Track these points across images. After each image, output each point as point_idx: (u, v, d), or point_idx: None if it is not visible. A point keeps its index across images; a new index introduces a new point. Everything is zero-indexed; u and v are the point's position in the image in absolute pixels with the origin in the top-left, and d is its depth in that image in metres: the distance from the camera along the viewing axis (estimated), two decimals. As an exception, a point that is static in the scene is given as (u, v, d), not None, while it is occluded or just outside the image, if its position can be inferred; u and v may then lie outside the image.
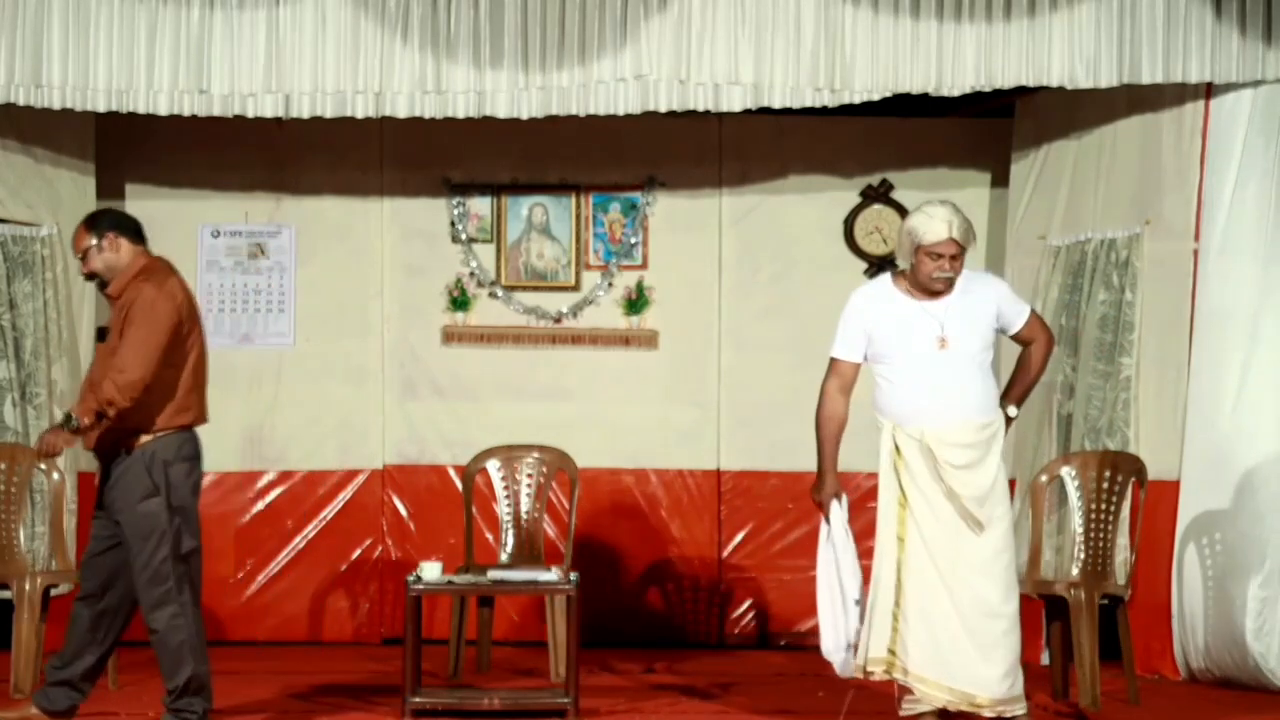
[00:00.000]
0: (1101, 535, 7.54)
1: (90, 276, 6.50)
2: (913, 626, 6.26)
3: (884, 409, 6.40)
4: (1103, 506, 7.55)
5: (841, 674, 6.47)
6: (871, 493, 9.26)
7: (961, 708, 6.29)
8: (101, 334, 6.58)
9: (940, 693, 6.25)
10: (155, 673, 6.50)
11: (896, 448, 6.35)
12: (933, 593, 6.26)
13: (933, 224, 6.27)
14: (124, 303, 6.36)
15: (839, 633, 6.44)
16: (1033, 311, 6.57)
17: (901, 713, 6.40)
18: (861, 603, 6.36)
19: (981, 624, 6.26)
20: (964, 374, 6.32)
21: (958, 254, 6.29)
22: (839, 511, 6.47)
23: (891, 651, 6.29)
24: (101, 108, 7.93)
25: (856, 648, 6.39)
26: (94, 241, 6.42)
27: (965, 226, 6.30)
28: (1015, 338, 6.53)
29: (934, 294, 6.35)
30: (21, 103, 7.89)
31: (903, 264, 6.40)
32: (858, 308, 6.47)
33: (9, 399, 8.38)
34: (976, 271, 6.54)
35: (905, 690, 6.36)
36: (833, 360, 6.50)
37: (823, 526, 6.53)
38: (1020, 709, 6.32)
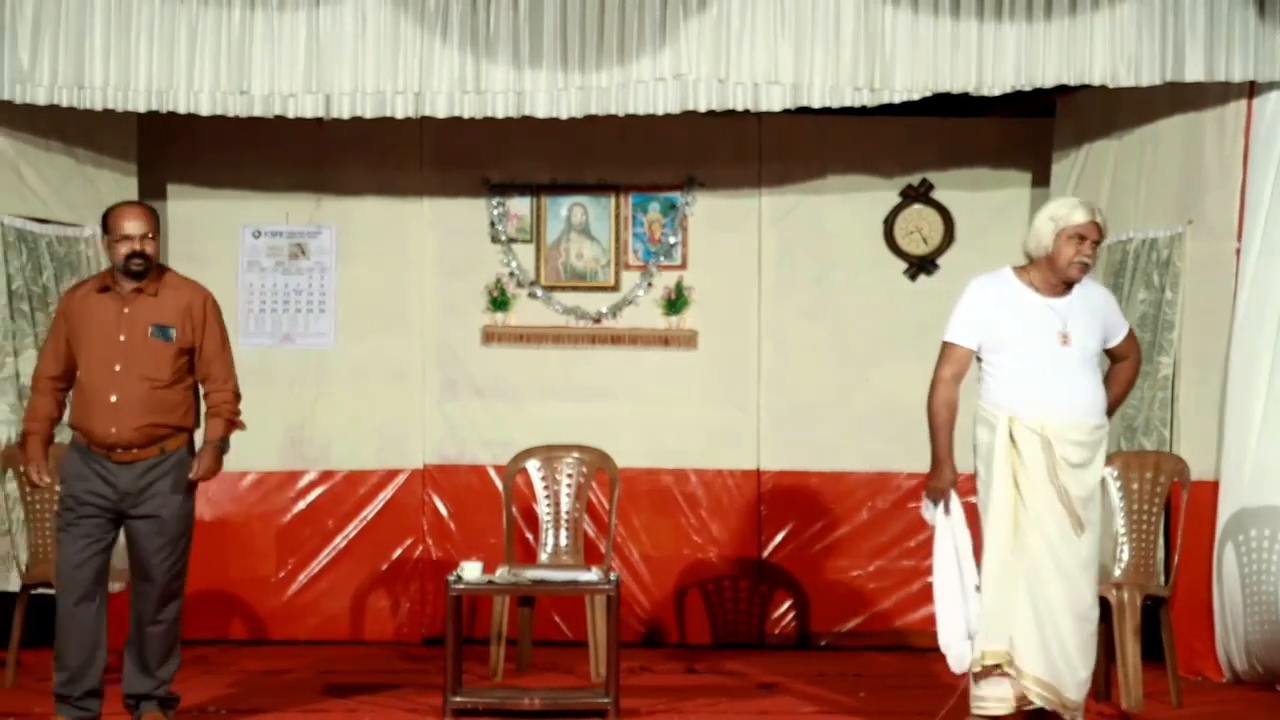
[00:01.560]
0: (1144, 536, 7.50)
1: (139, 258, 6.49)
2: (1023, 623, 6.22)
3: (999, 401, 6.29)
4: (1145, 507, 7.52)
5: (957, 669, 6.37)
6: (912, 493, 9.36)
7: (1052, 707, 6.25)
8: (158, 330, 6.54)
9: (1041, 689, 6.22)
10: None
11: (1013, 440, 6.27)
12: (1044, 591, 6.21)
13: (1076, 209, 6.31)
14: (189, 305, 6.55)
15: (961, 623, 6.33)
16: (1130, 329, 6.57)
17: (975, 712, 6.35)
18: (982, 591, 6.26)
19: (1078, 625, 6.25)
20: (1083, 373, 6.30)
21: (1098, 239, 6.31)
22: (957, 500, 6.37)
23: (1010, 647, 6.23)
24: (143, 108, 7.98)
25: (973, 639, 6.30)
26: (155, 230, 6.55)
27: (1104, 217, 6.35)
28: (1111, 351, 6.50)
29: (1058, 290, 6.31)
30: (64, 104, 7.94)
31: (1033, 253, 6.35)
32: (979, 294, 6.37)
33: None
34: (1089, 279, 6.49)
35: (990, 675, 6.28)
36: (948, 346, 6.38)
37: (939, 518, 6.39)
38: (1081, 716, 6.33)
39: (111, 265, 6.57)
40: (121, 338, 6.48)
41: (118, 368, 6.45)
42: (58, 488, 6.62)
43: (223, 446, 6.64)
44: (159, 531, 6.47)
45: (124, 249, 6.47)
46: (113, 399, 6.41)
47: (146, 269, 6.52)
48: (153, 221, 6.56)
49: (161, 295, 6.55)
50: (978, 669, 6.30)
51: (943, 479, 6.38)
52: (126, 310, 6.51)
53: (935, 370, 6.40)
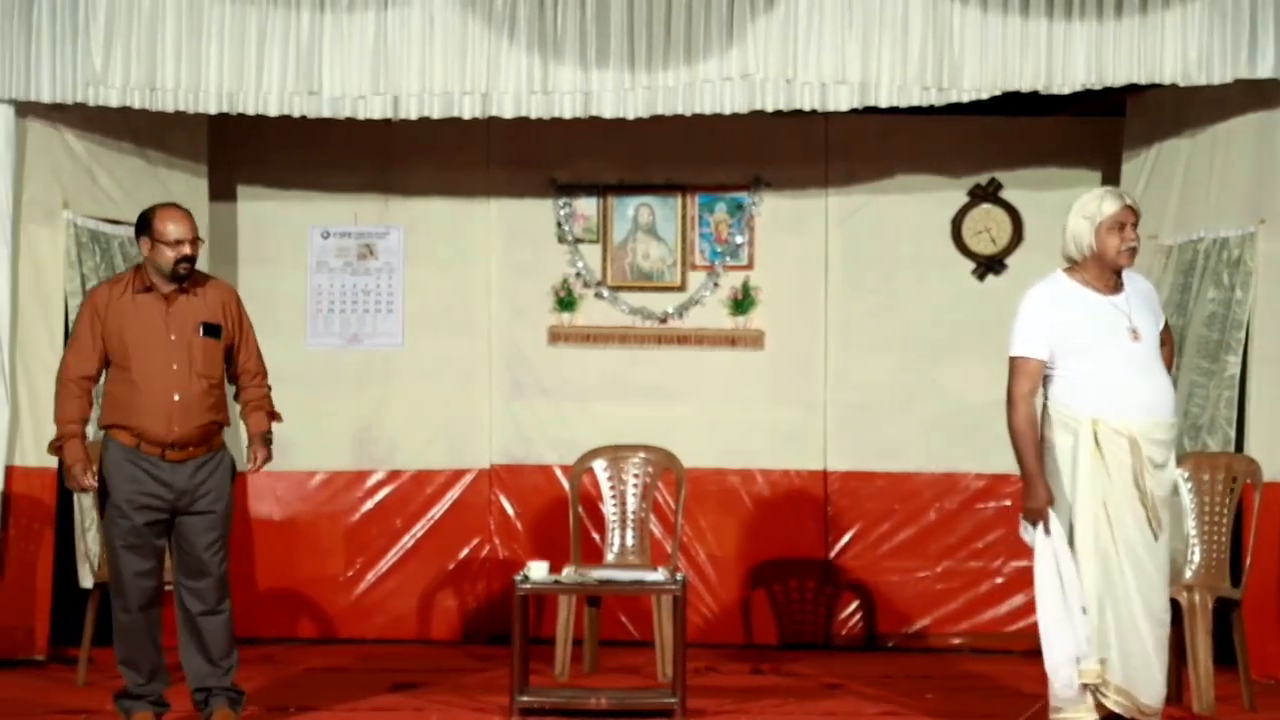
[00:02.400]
0: (1215, 538, 7.44)
1: (188, 262, 6.53)
2: (1112, 633, 6.15)
3: (1079, 404, 6.18)
4: (1216, 509, 7.45)
5: (1063, 694, 6.22)
6: (980, 494, 9.31)
7: (1128, 714, 6.18)
8: (206, 329, 6.61)
9: (1121, 698, 6.15)
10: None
11: (1097, 444, 6.18)
12: (1121, 595, 6.14)
13: (1105, 200, 6.26)
14: (224, 303, 6.64)
15: (1069, 646, 6.18)
16: (1164, 318, 6.53)
17: (1053, 718, 6.29)
18: (1089, 612, 6.14)
19: (1155, 630, 6.19)
20: (1156, 368, 6.25)
21: (1136, 222, 6.28)
22: (1055, 519, 6.20)
23: (1101, 661, 6.16)
24: (213, 110, 8.04)
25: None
26: (197, 231, 6.62)
27: (1133, 198, 6.33)
28: None
29: (1113, 286, 6.26)
30: (137, 106, 8.02)
31: (1077, 254, 6.29)
32: (1041, 303, 6.27)
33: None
34: (1127, 270, 6.43)
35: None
36: (1019, 360, 6.25)
37: (1039, 538, 6.20)
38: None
39: (144, 264, 6.59)
40: (172, 337, 6.51)
41: (175, 366, 6.49)
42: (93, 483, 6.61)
43: (269, 438, 6.76)
44: (212, 526, 6.56)
45: (173, 254, 6.49)
46: (176, 398, 6.46)
47: (192, 272, 6.57)
48: (195, 224, 6.59)
49: (200, 294, 6.60)
50: (1087, 681, 6.22)
51: (1038, 499, 6.21)
52: (171, 309, 6.54)
53: (1010, 388, 6.26)
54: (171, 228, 6.49)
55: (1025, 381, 6.24)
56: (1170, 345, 6.51)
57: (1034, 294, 6.32)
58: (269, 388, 6.81)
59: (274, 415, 6.80)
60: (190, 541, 6.56)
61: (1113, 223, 6.24)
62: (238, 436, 9.06)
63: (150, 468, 6.48)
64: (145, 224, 6.57)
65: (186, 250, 6.50)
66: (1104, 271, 6.28)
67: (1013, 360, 6.28)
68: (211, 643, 6.60)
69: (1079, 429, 6.16)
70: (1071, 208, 6.34)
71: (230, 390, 6.79)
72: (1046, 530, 6.18)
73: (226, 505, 6.62)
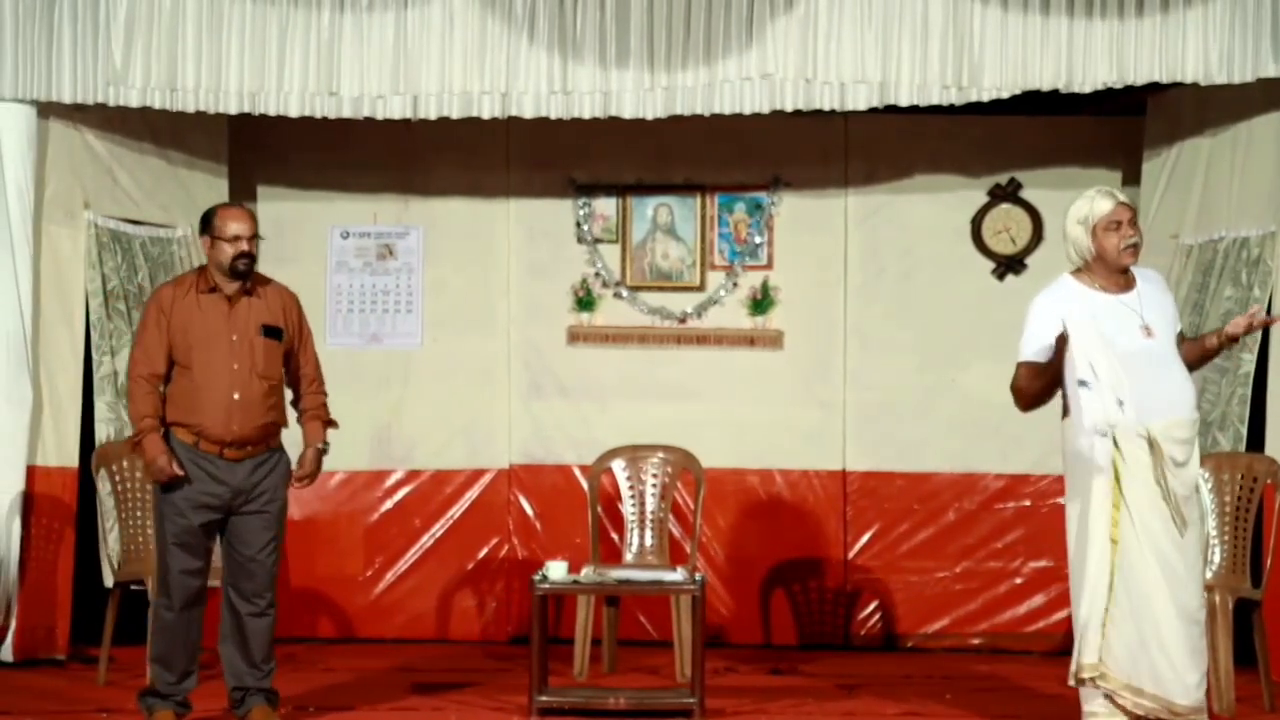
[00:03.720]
0: (1235, 538, 7.42)
1: (246, 258, 6.61)
2: (1123, 632, 6.13)
3: (1098, 406, 6.17)
4: (1237, 509, 7.44)
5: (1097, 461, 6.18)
6: (999, 494, 9.30)
7: (1160, 715, 6.15)
8: (267, 330, 6.67)
9: (1144, 700, 6.12)
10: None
11: (1116, 445, 6.15)
12: (1148, 597, 6.11)
13: (1097, 201, 6.24)
14: (285, 306, 6.73)
15: (1086, 423, 6.15)
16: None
17: None
18: (1095, 387, 6.10)
19: (1186, 628, 6.14)
20: (1174, 364, 6.23)
21: (1133, 219, 6.24)
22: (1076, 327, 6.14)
23: (1100, 659, 6.15)
24: (233, 110, 8.06)
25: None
26: (257, 230, 6.70)
27: (1124, 193, 6.30)
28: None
29: (1122, 285, 6.24)
30: (157, 106, 8.04)
31: (1080, 260, 6.29)
32: (1049, 307, 6.26)
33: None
34: (1139, 267, 6.40)
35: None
36: (1021, 365, 6.29)
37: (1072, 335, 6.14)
38: (1205, 718, 6.23)
39: (207, 265, 6.68)
40: (234, 337, 6.58)
41: (236, 366, 6.55)
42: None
43: (324, 449, 6.80)
44: (267, 526, 6.63)
45: (232, 250, 6.59)
46: (236, 396, 6.53)
47: (251, 269, 6.65)
48: (255, 222, 6.70)
49: (262, 295, 6.70)
50: (1073, 681, 6.22)
51: (1059, 344, 6.15)
52: (233, 310, 6.61)
53: (1012, 383, 6.32)
54: (231, 225, 6.60)
55: (1022, 375, 6.27)
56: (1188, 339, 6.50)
57: (1040, 300, 6.32)
58: (326, 395, 6.86)
59: (330, 423, 6.85)
60: (244, 541, 6.61)
61: (1108, 222, 6.21)
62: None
63: (209, 466, 6.54)
64: (206, 222, 6.68)
65: (244, 246, 6.60)
66: (1110, 272, 6.26)
67: (1018, 363, 6.31)
68: (255, 645, 6.66)
69: (1097, 430, 6.15)
70: (1068, 213, 6.32)
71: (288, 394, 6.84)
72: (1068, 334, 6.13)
73: (281, 506, 6.69)
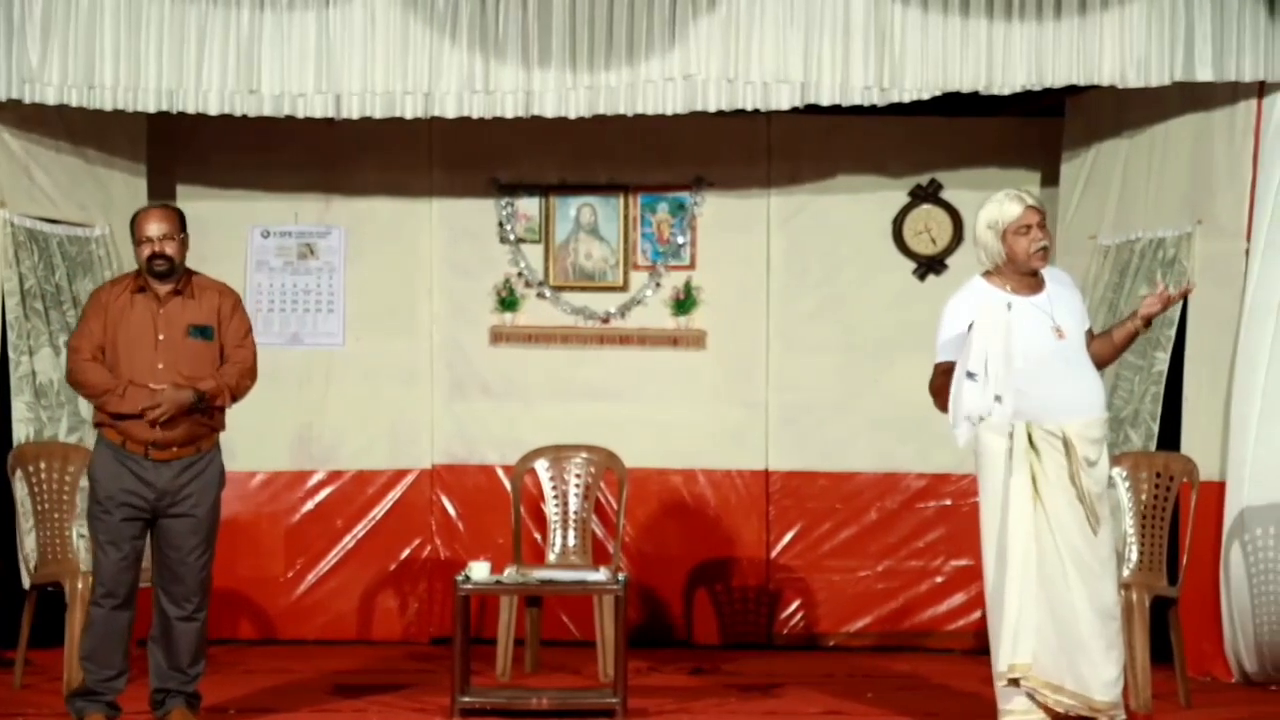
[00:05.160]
0: (1152, 536, 7.49)
1: (161, 259, 6.54)
2: (1044, 630, 6.17)
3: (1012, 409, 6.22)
4: (1154, 507, 7.51)
5: (959, 441, 6.26)
6: (921, 494, 9.35)
7: (1080, 712, 6.19)
8: (196, 331, 6.60)
9: (1064, 697, 6.16)
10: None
11: (1032, 445, 6.19)
12: (1064, 595, 6.15)
13: (1006, 204, 6.27)
14: (219, 306, 6.64)
15: (959, 407, 6.20)
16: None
17: None
18: (977, 379, 6.12)
19: (1102, 625, 6.19)
20: (1084, 365, 6.28)
21: (1042, 222, 6.27)
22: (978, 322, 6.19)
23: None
24: (152, 108, 7.99)
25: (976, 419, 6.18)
26: (184, 234, 6.64)
27: (1034, 196, 6.32)
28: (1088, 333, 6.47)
29: (1033, 286, 6.28)
30: (74, 104, 7.95)
31: (991, 263, 6.33)
32: (964, 309, 6.30)
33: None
34: (1049, 267, 6.44)
35: (1015, 685, 6.24)
36: (938, 367, 6.34)
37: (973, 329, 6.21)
38: (1123, 714, 6.29)
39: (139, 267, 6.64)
40: (161, 337, 6.54)
41: (160, 366, 6.51)
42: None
43: (196, 398, 6.50)
44: (194, 530, 6.57)
45: (145, 251, 6.57)
46: None
47: (170, 270, 6.59)
48: (176, 223, 6.63)
49: (195, 296, 6.65)
50: (1003, 681, 6.25)
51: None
52: (163, 310, 6.57)
53: (930, 385, 6.36)
54: (145, 227, 6.58)
55: (939, 376, 6.32)
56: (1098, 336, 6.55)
57: (953, 302, 6.36)
58: (245, 381, 6.67)
59: (219, 393, 6.57)
60: (171, 544, 6.56)
61: (1017, 226, 6.25)
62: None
63: (134, 466, 6.49)
64: (130, 225, 6.67)
65: (156, 248, 6.55)
66: (1021, 274, 6.30)
67: (935, 365, 6.36)
68: (182, 649, 6.62)
69: (1014, 431, 6.20)
70: (978, 217, 6.35)
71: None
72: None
73: (210, 510, 6.61)
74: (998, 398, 6.14)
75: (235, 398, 6.67)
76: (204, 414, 6.56)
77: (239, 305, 6.78)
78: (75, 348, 6.62)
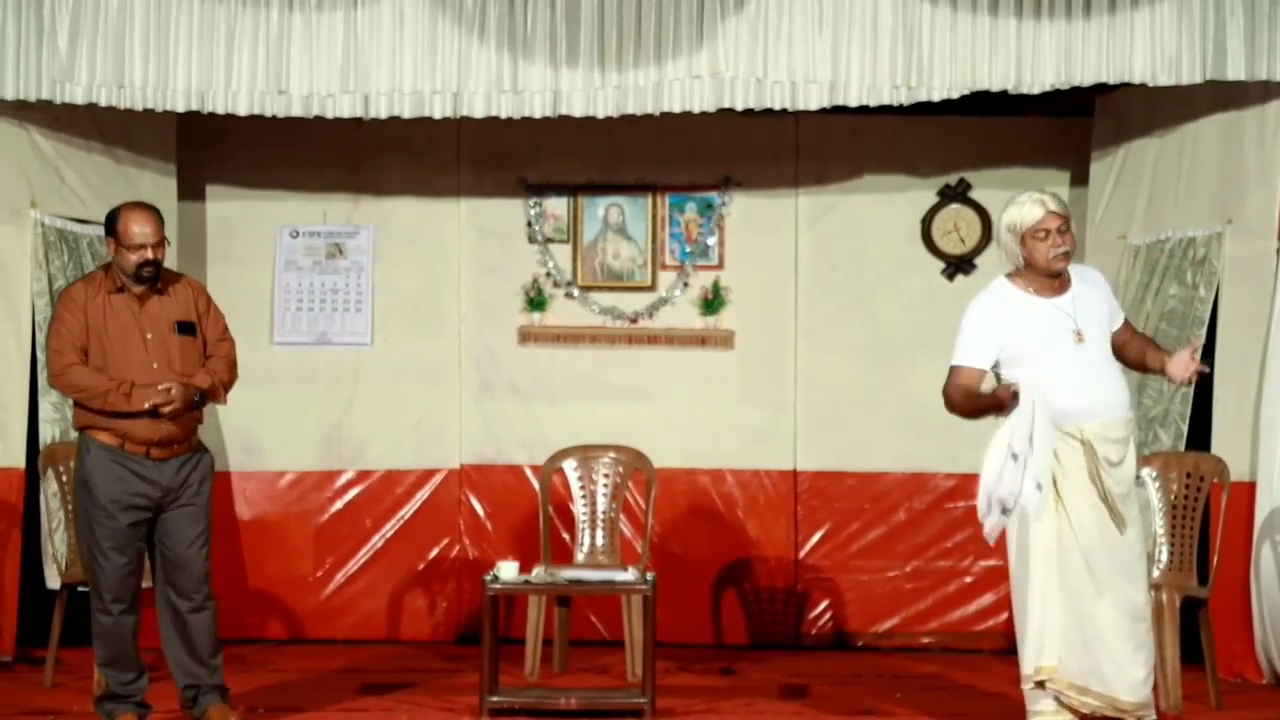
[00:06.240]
0: (1183, 537, 7.47)
1: (151, 265, 6.50)
2: (1067, 632, 6.15)
3: None
4: (1184, 508, 7.48)
5: (988, 537, 6.22)
6: (949, 494, 9.33)
7: (1105, 713, 6.17)
8: (181, 327, 6.59)
9: (1090, 698, 6.14)
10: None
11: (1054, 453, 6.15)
12: (1087, 597, 6.13)
13: (1026, 208, 6.23)
14: (193, 299, 6.60)
15: (996, 489, 6.13)
16: (1125, 318, 6.53)
17: None
18: (1020, 459, 6.04)
19: (1130, 626, 6.16)
20: (1105, 367, 6.25)
21: (1064, 226, 6.22)
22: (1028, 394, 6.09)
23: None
24: (181, 108, 8.01)
25: (1006, 513, 6.13)
26: (163, 231, 6.57)
27: (1058, 199, 6.27)
28: (1119, 332, 6.42)
29: (1056, 288, 6.25)
30: (104, 103, 7.98)
31: (1012, 265, 6.30)
32: (983, 312, 6.27)
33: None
34: (1078, 264, 6.43)
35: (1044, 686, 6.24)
36: (956, 369, 6.29)
37: (1022, 402, 6.10)
38: (1153, 715, 6.26)
39: (113, 265, 6.56)
40: (149, 335, 6.50)
41: (155, 365, 6.48)
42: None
43: (197, 394, 6.51)
44: (196, 519, 6.58)
45: (135, 258, 6.47)
46: None
47: (157, 275, 6.55)
48: (161, 225, 6.55)
49: (170, 292, 6.60)
50: (1030, 684, 6.24)
51: (1003, 394, 6.11)
52: (144, 309, 6.54)
53: (944, 389, 6.31)
54: (135, 230, 6.47)
55: (959, 389, 6.27)
56: (1137, 338, 6.52)
57: (976, 304, 6.33)
58: (228, 374, 6.65)
59: (215, 389, 6.57)
60: (175, 537, 6.55)
61: (1036, 230, 6.21)
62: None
63: (135, 467, 6.47)
64: (110, 224, 6.54)
65: (149, 255, 6.49)
66: (1042, 276, 6.28)
67: (951, 369, 6.32)
68: (200, 641, 6.61)
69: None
70: (1001, 218, 6.33)
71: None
72: (1016, 398, 6.10)
73: (207, 500, 6.64)
74: (1039, 486, 6.07)
75: (226, 392, 6.67)
76: (197, 409, 6.56)
77: (210, 298, 6.73)
78: (58, 350, 6.47)
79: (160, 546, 6.59)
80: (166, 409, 6.42)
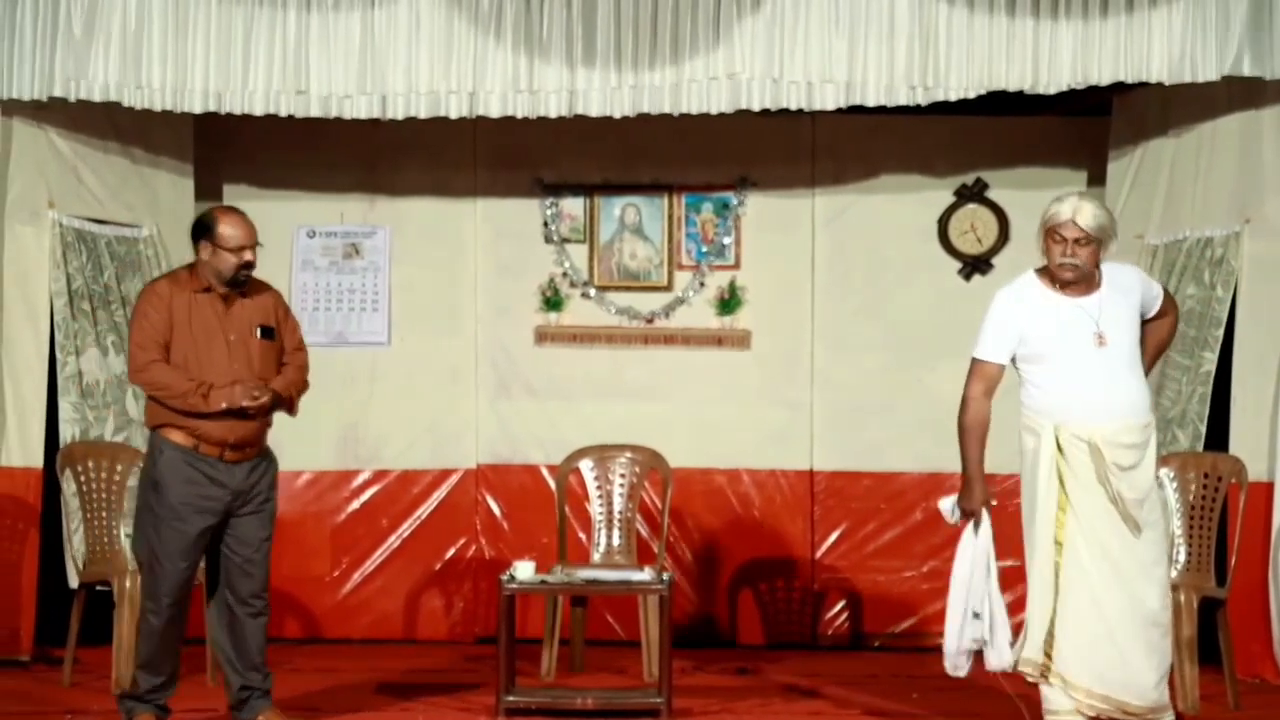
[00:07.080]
0: (1200, 537, 7.45)
1: (249, 269, 6.54)
2: (1070, 632, 6.13)
3: (1043, 410, 6.20)
4: (1202, 508, 7.47)
5: (951, 673, 6.42)
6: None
7: (1112, 715, 6.17)
8: (264, 331, 6.63)
9: (1093, 700, 6.14)
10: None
11: (1060, 449, 6.17)
12: (1094, 598, 6.12)
13: (1060, 206, 6.19)
14: (274, 305, 6.65)
15: (959, 639, 6.33)
16: (1164, 288, 6.48)
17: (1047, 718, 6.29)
18: (982, 616, 6.24)
19: (1140, 630, 6.15)
20: (1124, 372, 6.20)
21: (1082, 241, 6.12)
22: (987, 521, 6.29)
23: (1047, 655, 6.16)
24: (199, 109, 8.03)
25: (977, 654, 6.32)
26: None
27: (1096, 214, 6.14)
28: (1151, 319, 6.38)
29: (1083, 288, 6.21)
30: (122, 104, 7.99)
31: (1043, 257, 6.30)
32: (1008, 307, 6.25)
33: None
34: (1113, 263, 6.37)
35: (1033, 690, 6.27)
36: (977, 363, 6.27)
37: (968, 533, 6.31)
38: (1169, 717, 6.24)
39: (197, 266, 6.56)
40: (231, 338, 6.52)
41: (236, 367, 6.51)
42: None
43: (276, 398, 6.56)
44: (263, 525, 6.61)
45: (235, 259, 6.49)
46: None
47: (236, 280, 6.57)
48: (255, 230, 6.60)
49: (253, 296, 6.63)
50: (1010, 671, 6.29)
51: (974, 499, 6.29)
52: (230, 311, 6.55)
53: (966, 387, 6.29)
54: (237, 233, 6.51)
55: (979, 383, 6.26)
56: (1172, 315, 6.46)
57: (1000, 297, 6.32)
58: (304, 382, 6.73)
59: (292, 398, 6.66)
60: (242, 541, 6.57)
61: (1055, 232, 6.17)
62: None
63: (208, 469, 6.46)
64: (207, 228, 6.54)
65: (249, 257, 6.53)
66: (1054, 273, 6.26)
67: (973, 361, 6.30)
68: (254, 646, 6.64)
69: (1042, 433, 6.18)
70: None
71: None
72: (976, 528, 6.24)
73: (275, 504, 6.68)
74: (975, 614, 6.26)
75: (298, 399, 6.72)
76: (270, 413, 6.61)
77: (288, 307, 6.81)
78: (141, 345, 6.46)
79: (226, 550, 6.58)
80: (253, 406, 6.43)
